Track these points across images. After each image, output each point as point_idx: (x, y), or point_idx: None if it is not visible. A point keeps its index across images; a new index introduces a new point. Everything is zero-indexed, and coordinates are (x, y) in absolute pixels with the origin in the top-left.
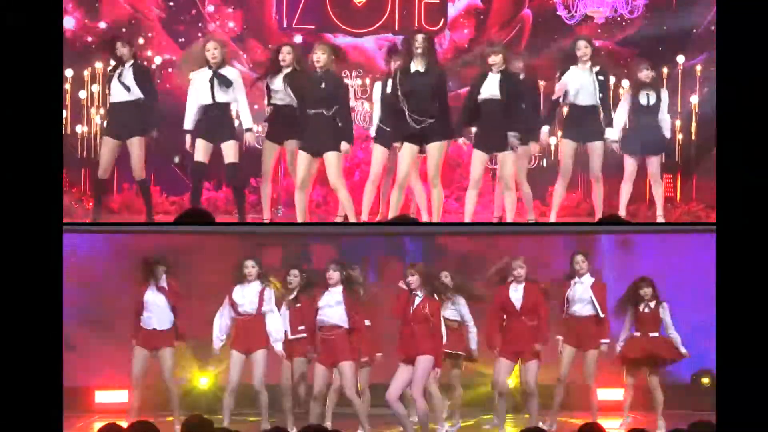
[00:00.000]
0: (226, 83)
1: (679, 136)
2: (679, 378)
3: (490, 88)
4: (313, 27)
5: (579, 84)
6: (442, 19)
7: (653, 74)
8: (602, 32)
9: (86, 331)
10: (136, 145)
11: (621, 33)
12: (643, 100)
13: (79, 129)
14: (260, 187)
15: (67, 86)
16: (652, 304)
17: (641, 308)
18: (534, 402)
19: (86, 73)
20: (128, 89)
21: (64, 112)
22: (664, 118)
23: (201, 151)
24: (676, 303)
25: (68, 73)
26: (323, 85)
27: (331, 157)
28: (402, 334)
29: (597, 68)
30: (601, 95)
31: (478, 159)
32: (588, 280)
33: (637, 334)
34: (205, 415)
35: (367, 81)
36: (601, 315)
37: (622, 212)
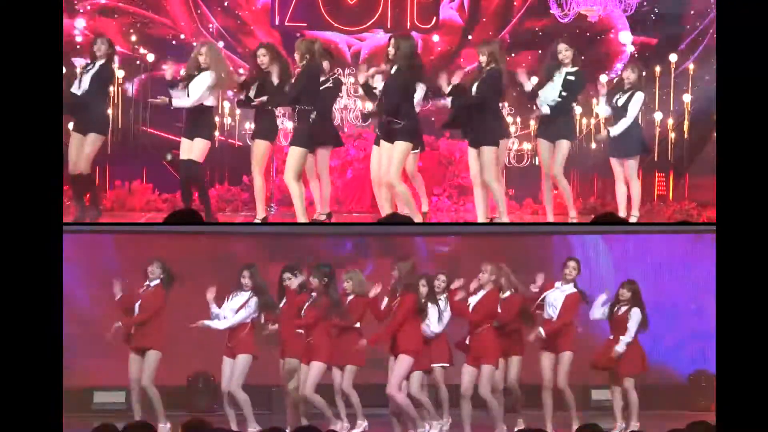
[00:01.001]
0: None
1: (672, 135)
2: (676, 379)
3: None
4: (305, 24)
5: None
6: (434, 18)
7: (635, 76)
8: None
9: (85, 331)
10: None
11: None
12: (619, 102)
13: (72, 126)
14: (252, 184)
15: None
16: (625, 308)
17: (615, 310)
18: (490, 406)
19: (78, 70)
20: (81, 84)
21: None
22: (631, 120)
23: (185, 149)
24: (674, 302)
25: None
26: (293, 80)
27: (290, 152)
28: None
29: (572, 68)
30: (565, 93)
31: (473, 157)
32: (568, 288)
33: (612, 336)
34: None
35: (360, 79)
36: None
37: (622, 213)
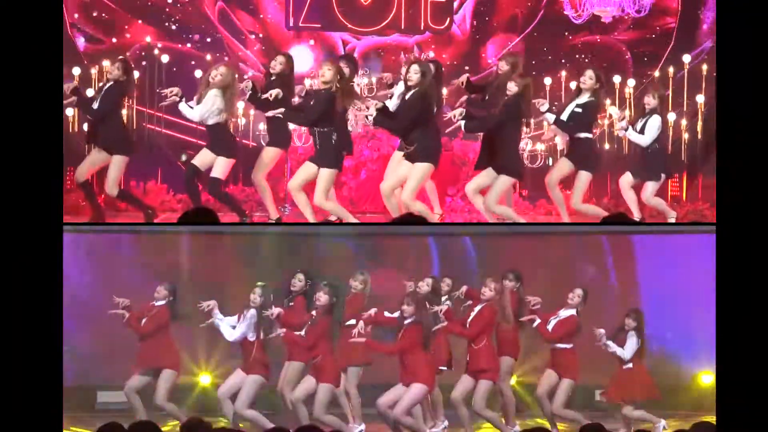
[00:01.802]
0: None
1: (685, 136)
2: (680, 379)
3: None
4: (319, 26)
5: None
6: (448, 19)
7: (655, 102)
8: (609, 32)
9: (87, 331)
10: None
11: (627, 33)
12: (638, 127)
13: (87, 127)
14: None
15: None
16: (625, 335)
17: (618, 337)
18: (488, 418)
19: (94, 71)
20: (92, 103)
21: (72, 110)
22: (647, 141)
23: (199, 157)
24: (678, 303)
25: (75, 71)
26: (312, 102)
27: (320, 175)
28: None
29: (584, 99)
30: (571, 123)
31: (486, 175)
32: (565, 313)
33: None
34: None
35: (374, 80)
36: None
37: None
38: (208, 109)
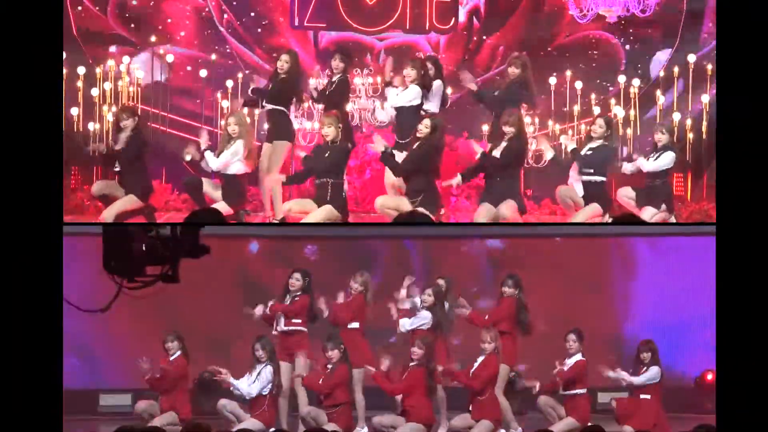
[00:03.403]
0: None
1: (690, 135)
2: (683, 381)
3: None
4: (324, 25)
5: None
6: (453, 18)
7: (666, 137)
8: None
9: (90, 334)
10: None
11: (633, 33)
12: (651, 158)
13: (92, 126)
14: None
15: (80, 84)
16: (645, 368)
17: (641, 371)
18: None
19: (98, 70)
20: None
21: (77, 109)
22: (656, 169)
23: (211, 188)
24: (680, 303)
25: (80, 70)
26: (327, 154)
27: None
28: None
29: (595, 144)
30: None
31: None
32: (571, 360)
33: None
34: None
35: (378, 80)
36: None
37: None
38: (233, 158)
